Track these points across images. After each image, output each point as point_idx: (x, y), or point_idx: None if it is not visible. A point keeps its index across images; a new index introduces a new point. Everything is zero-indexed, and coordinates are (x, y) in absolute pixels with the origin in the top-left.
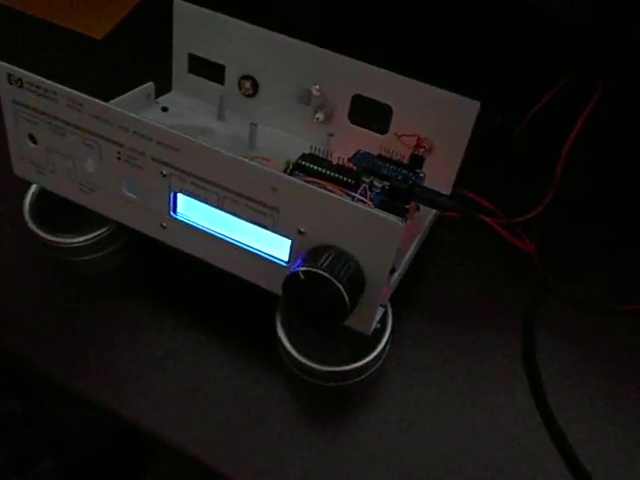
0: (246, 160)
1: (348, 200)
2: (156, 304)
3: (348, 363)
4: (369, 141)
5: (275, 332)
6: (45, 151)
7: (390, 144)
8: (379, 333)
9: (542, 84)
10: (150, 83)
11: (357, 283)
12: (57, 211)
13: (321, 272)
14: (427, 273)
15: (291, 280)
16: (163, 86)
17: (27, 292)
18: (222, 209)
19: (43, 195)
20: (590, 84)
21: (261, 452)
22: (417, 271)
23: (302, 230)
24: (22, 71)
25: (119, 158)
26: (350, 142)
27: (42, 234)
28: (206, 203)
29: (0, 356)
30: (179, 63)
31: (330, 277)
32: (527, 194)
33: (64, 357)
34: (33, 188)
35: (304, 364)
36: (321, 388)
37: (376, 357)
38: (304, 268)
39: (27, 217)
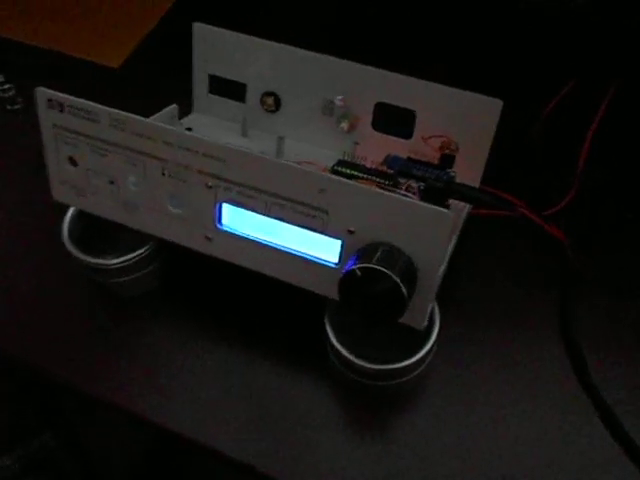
0: (293, 164)
1: (398, 195)
2: (199, 320)
3: (400, 361)
4: (394, 147)
5: (324, 336)
6: (86, 173)
7: (416, 148)
8: (427, 330)
9: (554, 84)
10: (174, 105)
11: (411, 277)
12: (95, 233)
13: (377, 267)
14: (463, 269)
15: (347, 278)
16: (183, 108)
17: (67, 315)
18: (270, 216)
19: (81, 218)
20: (601, 83)
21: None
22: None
23: (352, 229)
24: (62, 95)
25: (163, 174)
26: (376, 149)
27: (82, 256)
28: (253, 211)
29: (37, 384)
30: (200, 84)
31: (387, 271)
32: (547, 190)
33: (109, 377)
34: (70, 211)
35: (354, 363)
36: (373, 388)
37: (427, 353)
38: (360, 265)
39: (66, 240)
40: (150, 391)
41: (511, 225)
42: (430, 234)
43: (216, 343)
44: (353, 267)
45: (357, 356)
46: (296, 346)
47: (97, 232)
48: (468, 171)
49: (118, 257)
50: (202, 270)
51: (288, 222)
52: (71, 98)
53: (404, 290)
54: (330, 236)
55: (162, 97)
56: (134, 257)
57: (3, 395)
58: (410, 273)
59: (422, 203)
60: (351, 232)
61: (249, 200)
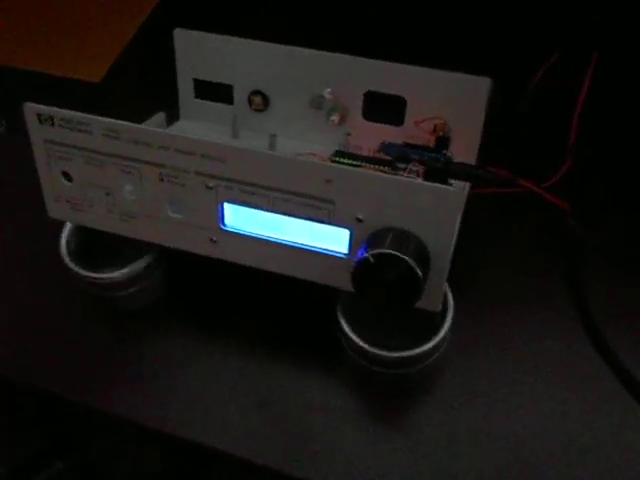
0: (297, 157)
1: (406, 178)
2: (206, 328)
3: (416, 347)
4: (387, 134)
5: (337, 329)
6: (81, 187)
7: (409, 133)
8: (440, 314)
9: (538, 58)
10: (160, 113)
11: (424, 259)
12: (93, 247)
13: (390, 251)
14: (466, 250)
15: (361, 267)
16: (170, 116)
17: (72, 334)
18: (275, 211)
19: (78, 233)
20: (584, 55)
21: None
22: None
23: (360, 217)
24: (52, 109)
25: (161, 179)
26: (369, 138)
27: (81, 272)
28: (257, 208)
29: (45, 410)
30: (185, 90)
31: (400, 254)
32: (539, 164)
33: (118, 394)
34: (67, 227)
35: (371, 352)
36: (394, 378)
37: (443, 337)
38: (372, 252)
39: (65, 256)
40: (165, 405)
41: (509, 203)
42: (441, 213)
43: (227, 350)
44: (366, 255)
45: (373, 345)
46: (308, 345)
47: (95, 246)
48: (463, 151)
49: (119, 270)
50: (204, 275)
51: (294, 216)
52: (62, 111)
53: (419, 272)
54: (338, 226)
55: (147, 107)
56: (136, 268)
57: (7, 423)
58: (423, 255)
59: (432, 183)
60: (359, 220)
61: (252, 197)
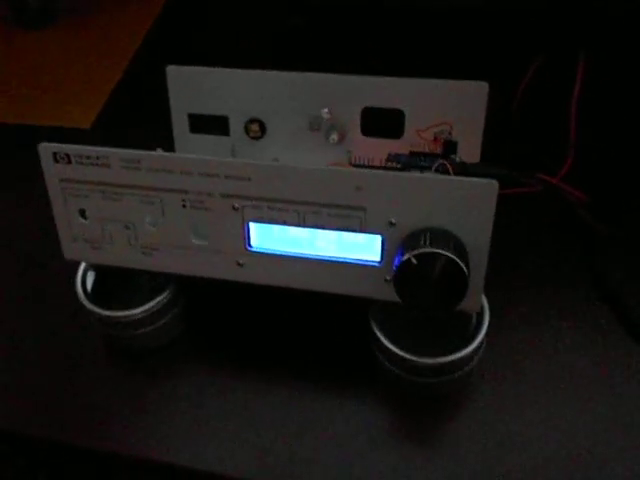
0: (325, 167)
1: (438, 175)
2: (230, 360)
3: (453, 352)
4: (388, 147)
5: (371, 342)
6: (100, 223)
7: (409, 144)
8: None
9: (526, 60)
10: (158, 149)
11: (464, 256)
12: (110, 285)
13: (433, 250)
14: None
15: (403, 270)
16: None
17: (89, 379)
18: (304, 226)
19: (94, 272)
20: (570, 56)
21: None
22: None
23: (393, 221)
24: (67, 146)
25: (184, 206)
26: (370, 153)
27: (99, 311)
28: (286, 224)
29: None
30: (180, 126)
31: (443, 251)
32: (539, 163)
33: (140, 439)
34: (82, 266)
35: (407, 359)
36: (433, 387)
37: (481, 341)
38: (413, 253)
39: (81, 296)
40: (196, 441)
41: (521, 202)
42: (477, 208)
43: (255, 382)
44: (407, 256)
45: (415, 354)
46: (336, 365)
47: (111, 283)
48: (466, 156)
49: (139, 306)
50: (224, 304)
51: (324, 228)
52: (78, 147)
53: (464, 267)
54: (369, 233)
55: (140, 147)
56: (156, 304)
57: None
58: (462, 252)
59: (466, 178)
60: (392, 224)
61: (280, 214)
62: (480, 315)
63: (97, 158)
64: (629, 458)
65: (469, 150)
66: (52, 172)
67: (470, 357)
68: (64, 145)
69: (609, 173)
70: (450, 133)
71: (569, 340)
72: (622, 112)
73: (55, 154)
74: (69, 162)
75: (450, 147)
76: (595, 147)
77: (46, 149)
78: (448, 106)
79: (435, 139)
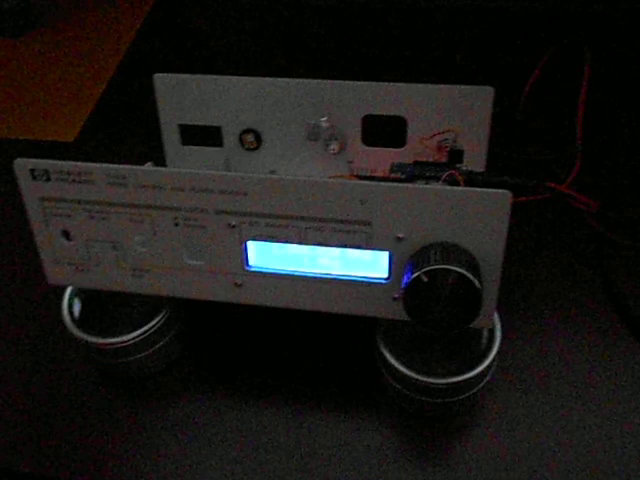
0: (327, 180)
1: (448, 187)
2: (231, 383)
3: (465, 372)
4: (390, 157)
5: (378, 361)
6: (85, 245)
7: (412, 153)
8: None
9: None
10: (149, 163)
11: (476, 271)
12: (97, 310)
13: (444, 266)
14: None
15: (413, 288)
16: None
17: (83, 413)
18: (305, 243)
19: (80, 294)
20: (576, 52)
21: None
22: None
23: (400, 236)
24: (47, 161)
25: (176, 224)
26: (372, 163)
27: (90, 338)
28: (286, 242)
29: None
30: (170, 137)
31: (454, 268)
32: (548, 168)
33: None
34: (68, 291)
35: (416, 379)
36: (443, 407)
37: (493, 359)
38: (423, 269)
39: (68, 323)
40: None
41: (529, 209)
42: (489, 220)
43: (260, 406)
44: (417, 273)
45: (421, 373)
46: (339, 386)
47: (99, 308)
48: (471, 163)
49: (131, 332)
50: (223, 325)
51: (327, 245)
52: (57, 162)
53: (477, 283)
54: (376, 249)
55: (128, 160)
56: (148, 329)
57: None
58: (475, 267)
59: (477, 189)
60: (399, 239)
61: (280, 231)
62: (491, 331)
63: (79, 174)
64: None
65: (474, 158)
66: (30, 190)
67: (482, 375)
68: (42, 160)
69: (618, 178)
70: (455, 141)
71: (582, 354)
72: (630, 116)
73: (32, 171)
74: (48, 179)
75: (456, 156)
76: (603, 152)
77: (22, 165)
78: (452, 112)
79: (439, 147)
